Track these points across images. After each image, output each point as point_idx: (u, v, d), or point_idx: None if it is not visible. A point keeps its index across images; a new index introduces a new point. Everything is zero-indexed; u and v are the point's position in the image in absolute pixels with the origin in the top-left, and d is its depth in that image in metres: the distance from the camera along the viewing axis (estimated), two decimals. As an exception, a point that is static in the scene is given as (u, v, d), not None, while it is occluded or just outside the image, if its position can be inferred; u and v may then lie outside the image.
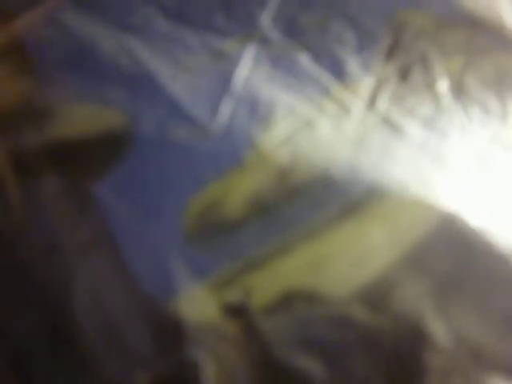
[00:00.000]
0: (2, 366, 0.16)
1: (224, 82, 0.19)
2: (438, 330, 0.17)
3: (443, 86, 0.20)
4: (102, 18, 0.19)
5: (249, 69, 0.19)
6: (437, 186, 0.19)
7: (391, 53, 0.20)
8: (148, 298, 0.16)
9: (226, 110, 0.18)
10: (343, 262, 0.17)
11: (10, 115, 0.18)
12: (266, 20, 0.20)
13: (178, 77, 0.18)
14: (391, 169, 0.19)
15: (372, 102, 0.19)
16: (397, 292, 0.17)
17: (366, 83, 0.19)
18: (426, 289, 0.17)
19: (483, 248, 0.18)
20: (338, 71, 0.19)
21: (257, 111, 0.19)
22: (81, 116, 0.18)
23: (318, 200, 0.18)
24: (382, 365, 0.17)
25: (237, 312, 0.17)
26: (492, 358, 0.17)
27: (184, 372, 0.16)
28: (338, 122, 0.19)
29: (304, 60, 0.19)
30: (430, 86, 0.20)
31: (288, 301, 0.17)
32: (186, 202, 0.17)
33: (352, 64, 0.19)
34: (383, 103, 0.19)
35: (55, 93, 0.18)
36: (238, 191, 0.17)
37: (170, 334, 0.16)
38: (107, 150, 0.17)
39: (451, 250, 0.18)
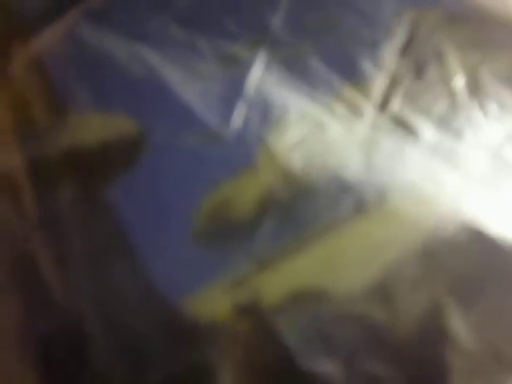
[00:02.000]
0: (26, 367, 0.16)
1: (236, 87, 0.19)
2: (461, 330, 0.17)
3: (459, 82, 0.19)
4: (116, 30, 0.19)
5: (261, 73, 0.19)
6: (451, 187, 0.18)
7: (406, 49, 0.19)
8: (161, 299, 0.17)
9: (238, 115, 0.18)
10: (354, 260, 0.17)
11: (28, 126, 0.18)
12: (276, 22, 0.19)
13: (190, 83, 0.19)
14: (403, 170, 0.18)
15: (384, 103, 0.19)
16: (413, 290, 0.17)
17: (378, 82, 0.19)
18: (446, 288, 0.17)
19: (503, 249, 0.17)
20: (350, 71, 0.19)
21: (269, 115, 0.19)
22: (95, 124, 0.18)
23: (331, 201, 0.18)
24: (402, 365, 0.17)
25: (248, 312, 0.17)
26: None
27: (198, 372, 0.17)
28: (349, 125, 0.19)
29: (315, 62, 0.19)
30: (446, 83, 0.19)
31: (299, 300, 0.17)
32: (198, 203, 0.17)
33: (365, 62, 0.19)
34: (396, 103, 0.19)
35: (70, 103, 0.18)
36: (250, 192, 0.18)
37: (183, 334, 0.17)
38: (121, 155, 0.18)
39: (470, 251, 0.17)
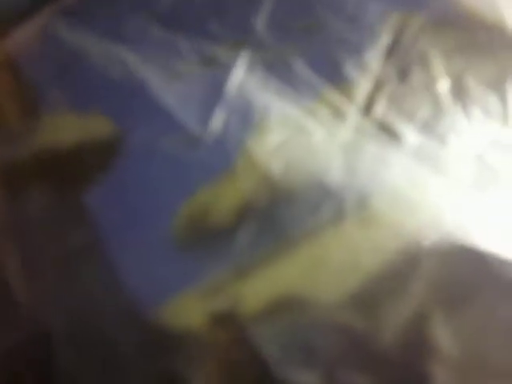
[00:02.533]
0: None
1: (217, 90, 0.18)
2: (445, 339, 0.16)
3: (443, 86, 0.19)
4: (94, 29, 0.18)
5: (242, 75, 0.18)
6: (434, 193, 0.18)
7: (390, 53, 0.19)
8: (134, 307, 0.16)
9: (218, 118, 0.18)
10: (335, 268, 0.17)
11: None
12: (260, 24, 0.19)
13: (169, 85, 0.18)
14: (386, 175, 0.18)
15: (368, 107, 0.19)
16: (395, 299, 0.17)
17: (362, 86, 0.19)
18: (429, 297, 0.17)
19: (487, 259, 0.17)
20: (334, 74, 0.19)
21: (249, 119, 0.18)
22: (69, 126, 0.17)
23: (311, 206, 0.17)
24: (385, 376, 0.16)
25: (225, 321, 0.16)
26: (500, 368, 0.16)
27: (171, 382, 0.16)
28: (332, 129, 0.18)
29: (298, 65, 0.19)
30: (430, 87, 0.19)
31: (278, 308, 0.16)
32: (176, 208, 0.17)
33: (349, 66, 0.19)
34: (380, 107, 0.19)
35: (44, 104, 0.18)
36: (228, 197, 0.17)
37: (156, 344, 0.16)
38: (96, 158, 0.17)
39: (453, 260, 0.17)
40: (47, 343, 0.16)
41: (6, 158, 0.17)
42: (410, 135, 0.18)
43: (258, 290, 0.17)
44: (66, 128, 0.17)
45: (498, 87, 0.19)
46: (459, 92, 0.19)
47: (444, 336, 0.16)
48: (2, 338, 0.16)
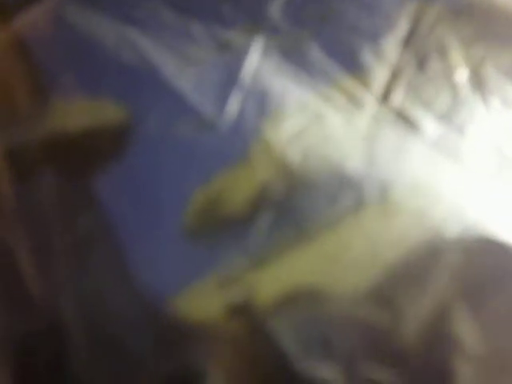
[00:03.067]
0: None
1: (231, 75, 0.18)
2: (469, 335, 0.16)
3: (462, 75, 0.18)
4: (105, 12, 0.18)
5: (257, 61, 0.18)
6: (454, 183, 0.17)
7: (408, 41, 0.19)
8: (148, 298, 0.16)
9: (233, 103, 0.17)
10: (354, 259, 0.16)
11: (8, 112, 0.17)
12: (275, 10, 0.18)
13: (183, 70, 0.17)
14: (405, 165, 0.17)
15: (386, 95, 0.18)
16: (417, 292, 0.16)
17: (380, 74, 0.18)
18: (453, 291, 0.16)
19: (510, 251, 0.17)
20: (351, 62, 0.18)
21: (266, 105, 0.17)
22: (80, 110, 0.17)
23: (330, 196, 0.17)
24: (406, 371, 0.16)
25: (241, 311, 0.16)
26: None
27: (186, 375, 0.16)
28: (349, 117, 0.18)
29: (315, 51, 0.18)
30: (448, 76, 0.18)
31: (295, 299, 0.16)
32: (190, 196, 0.16)
33: (366, 53, 0.18)
34: (398, 96, 0.18)
35: (54, 88, 0.17)
36: (244, 185, 0.17)
37: (171, 334, 0.15)
38: (108, 143, 0.17)
39: (476, 252, 0.17)
40: (59, 333, 0.15)
41: (15, 141, 0.16)
42: (429, 125, 0.18)
43: (274, 280, 0.16)
44: (77, 112, 0.17)
45: (517, 77, 0.19)
46: (478, 81, 0.18)
47: (467, 330, 0.16)
48: (14, 328, 0.15)
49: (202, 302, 0.16)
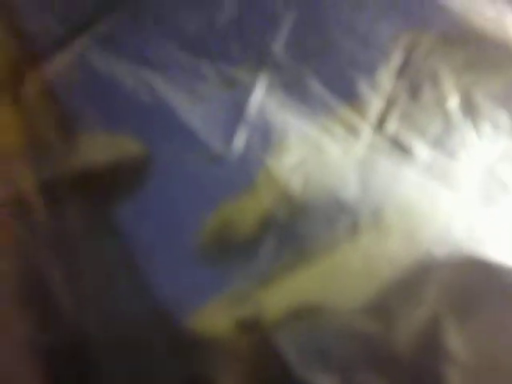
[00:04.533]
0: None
1: (238, 111, 0.19)
2: (458, 344, 0.16)
3: (453, 102, 0.19)
4: (124, 55, 0.19)
5: (262, 96, 0.19)
6: (445, 206, 0.18)
7: (402, 71, 0.20)
8: (165, 315, 0.17)
9: (240, 138, 0.19)
10: (352, 277, 0.17)
11: (39, 148, 0.18)
12: (278, 46, 0.20)
13: (194, 107, 0.19)
14: (399, 190, 0.18)
15: (381, 124, 0.19)
16: (409, 305, 0.17)
17: (375, 103, 0.19)
18: (442, 303, 0.17)
19: (497, 270, 0.17)
20: (348, 93, 0.19)
21: (270, 138, 0.19)
22: (103, 144, 0.18)
23: (328, 220, 0.18)
24: (400, 380, 0.17)
25: (250, 327, 0.17)
26: (511, 371, 0.17)
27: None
28: (347, 146, 0.19)
29: (314, 84, 0.19)
30: (440, 104, 0.19)
31: (298, 315, 0.17)
32: (201, 222, 0.17)
33: (362, 84, 0.19)
34: (392, 124, 0.19)
35: (80, 126, 0.19)
36: (251, 212, 0.18)
37: (186, 349, 0.17)
38: (129, 176, 0.18)
39: (465, 270, 0.17)
40: (86, 348, 0.17)
41: (46, 174, 0.18)
42: (422, 151, 0.19)
43: (279, 298, 0.17)
44: (100, 148, 0.18)
45: (506, 102, 0.19)
46: (469, 108, 0.19)
47: (456, 341, 0.17)
48: (44, 343, 0.17)
49: (215, 317, 0.17)
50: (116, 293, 0.17)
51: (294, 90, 0.19)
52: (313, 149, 0.18)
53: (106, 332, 0.17)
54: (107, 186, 0.18)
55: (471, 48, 0.20)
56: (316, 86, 0.19)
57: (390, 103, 0.19)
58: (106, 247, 0.17)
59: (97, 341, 0.17)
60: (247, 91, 0.19)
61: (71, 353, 0.17)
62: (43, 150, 0.18)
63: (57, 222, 0.18)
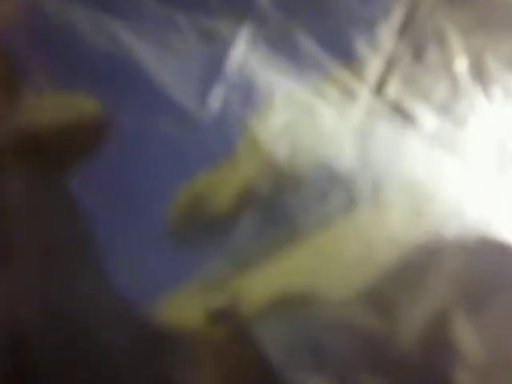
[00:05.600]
0: None
1: (215, 66, 0.16)
2: (468, 341, 0.15)
3: (461, 65, 0.17)
4: (83, 1, 0.17)
5: (243, 51, 0.17)
6: (453, 180, 0.16)
7: (404, 29, 0.18)
8: (126, 303, 0.14)
9: (217, 96, 0.16)
10: (347, 261, 0.15)
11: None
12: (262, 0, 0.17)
13: (165, 62, 0.16)
14: (401, 161, 0.16)
15: (381, 87, 0.17)
16: (413, 296, 0.15)
17: (374, 64, 0.17)
18: (451, 294, 0.15)
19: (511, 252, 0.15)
20: (344, 51, 0.17)
21: (252, 98, 0.16)
22: (53, 105, 0.16)
23: (320, 194, 0.16)
24: (403, 381, 0.15)
25: (224, 318, 0.15)
26: None
27: (166, 382, 0.14)
28: (342, 110, 0.16)
29: (305, 40, 0.17)
30: (447, 66, 0.17)
31: (283, 304, 0.15)
32: (171, 196, 0.15)
33: (360, 43, 0.17)
34: (393, 88, 0.17)
35: (27, 82, 0.16)
36: (229, 183, 0.15)
37: (151, 342, 0.14)
38: (83, 140, 0.15)
39: (476, 253, 0.15)
40: (23, 347, 0.14)
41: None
42: (426, 118, 0.17)
43: (260, 284, 0.15)
44: (50, 108, 0.16)
45: (519, 66, 0.17)
46: (478, 71, 0.17)
47: (467, 336, 0.15)
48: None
49: (184, 306, 0.15)
50: (65, 278, 0.14)
51: (280, 45, 0.17)
52: (302, 111, 0.16)
53: (50, 326, 0.14)
54: (57, 152, 0.15)
55: (479, 8, 0.18)
56: (307, 43, 0.17)
57: (391, 64, 0.17)
58: (54, 225, 0.15)
59: (37, 337, 0.14)
60: (226, 45, 0.16)
61: (4, 352, 0.14)
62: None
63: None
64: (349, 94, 0.17)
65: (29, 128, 0.15)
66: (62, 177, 0.15)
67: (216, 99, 0.16)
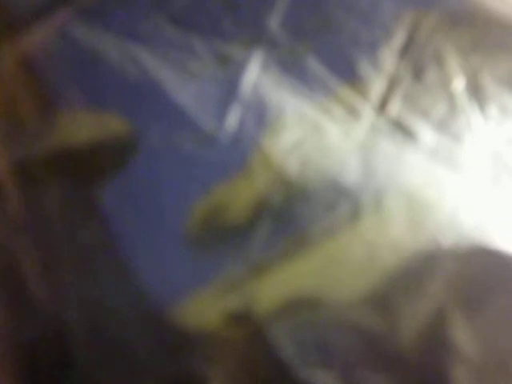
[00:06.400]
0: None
1: (231, 88, 0.18)
2: (465, 340, 0.15)
3: (459, 84, 0.18)
4: (109, 29, 0.18)
5: (256, 74, 0.18)
6: (451, 192, 0.17)
7: (405, 51, 0.19)
8: (151, 306, 0.16)
9: (233, 116, 0.17)
10: (352, 267, 0.16)
11: (16, 126, 0.17)
12: (274, 23, 0.18)
13: (184, 84, 0.18)
14: (402, 174, 0.17)
15: (383, 105, 0.18)
16: (413, 298, 0.16)
17: (377, 84, 0.18)
18: (449, 297, 0.16)
19: (506, 259, 0.16)
20: (348, 72, 0.18)
21: (265, 117, 0.17)
22: (86, 123, 0.17)
23: (327, 205, 0.17)
24: (403, 377, 0.16)
25: (241, 319, 0.16)
26: None
27: (187, 380, 0.16)
28: (347, 127, 0.18)
29: (313, 62, 0.18)
30: (445, 86, 0.18)
31: (294, 307, 0.16)
32: (191, 207, 0.16)
33: (363, 64, 0.18)
34: (395, 106, 0.18)
35: (61, 102, 0.17)
36: (244, 196, 0.17)
37: (173, 342, 0.15)
38: (113, 156, 0.17)
39: (472, 260, 0.16)
40: (63, 340, 0.15)
41: (22, 155, 0.17)
42: (426, 134, 0.18)
43: (273, 287, 0.16)
44: (82, 125, 0.17)
45: (513, 85, 0.18)
46: (475, 90, 0.18)
47: (463, 336, 0.16)
48: (19, 334, 0.15)
49: (203, 308, 0.16)
50: (96, 282, 0.16)
51: (290, 68, 0.18)
52: (311, 129, 0.17)
53: (85, 324, 0.15)
54: (89, 167, 0.17)
55: (476, 29, 0.19)
56: (314, 65, 0.18)
57: (393, 84, 0.18)
58: (86, 233, 0.16)
59: (75, 333, 0.15)
60: (241, 68, 0.17)
61: (46, 346, 0.15)
62: (19, 127, 0.17)
63: (33, 206, 0.16)
64: (353, 111, 0.18)
65: (63, 144, 0.17)
66: (94, 189, 0.17)
67: (232, 119, 0.17)
